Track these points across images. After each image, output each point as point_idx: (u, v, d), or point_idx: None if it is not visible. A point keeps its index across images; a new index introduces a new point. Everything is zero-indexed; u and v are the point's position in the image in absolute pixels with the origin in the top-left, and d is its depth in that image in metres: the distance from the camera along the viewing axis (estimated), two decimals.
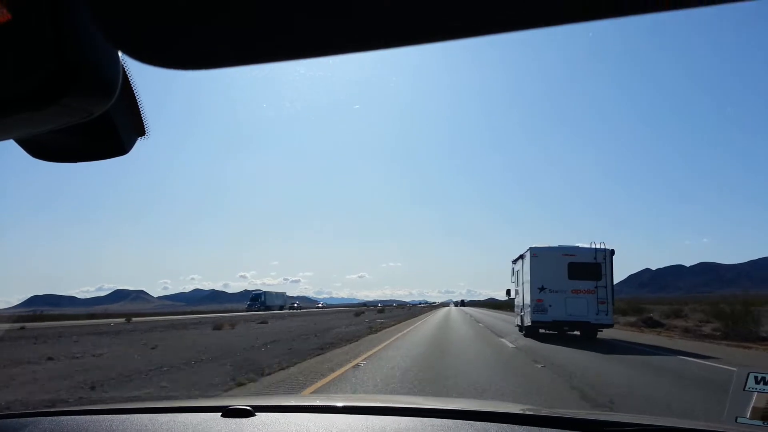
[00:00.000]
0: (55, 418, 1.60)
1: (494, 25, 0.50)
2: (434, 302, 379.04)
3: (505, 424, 1.46)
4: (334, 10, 0.51)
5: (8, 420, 1.65)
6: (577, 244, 20.49)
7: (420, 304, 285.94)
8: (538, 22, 0.49)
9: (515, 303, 24.60)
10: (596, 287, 19.41)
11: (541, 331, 20.63)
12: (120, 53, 0.62)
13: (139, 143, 0.79)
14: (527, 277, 20.60)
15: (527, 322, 20.55)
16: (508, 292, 26.60)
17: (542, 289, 19.74)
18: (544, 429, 1.45)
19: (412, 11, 0.50)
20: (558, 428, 1.47)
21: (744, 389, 1.72)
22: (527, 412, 1.64)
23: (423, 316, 54.11)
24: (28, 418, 1.61)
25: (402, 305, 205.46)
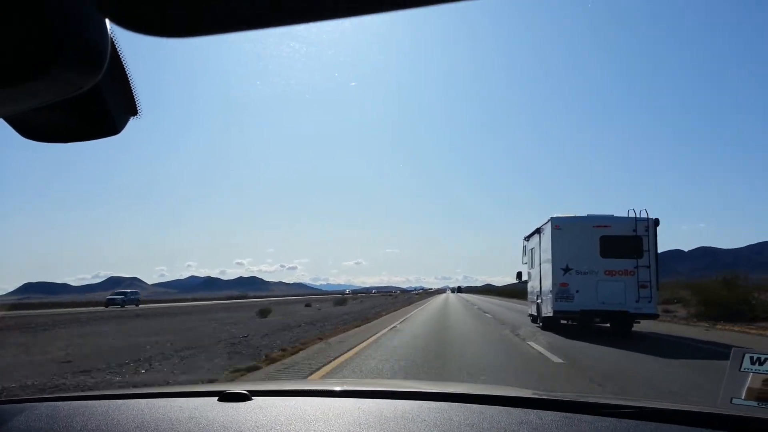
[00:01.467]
0: (52, 403, 1.59)
1: None
2: (430, 288, 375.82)
3: (501, 407, 1.45)
4: None
5: (4, 405, 1.64)
6: (611, 213, 16.21)
7: (415, 290, 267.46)
8: None
9: (528, 288, 20.27)
10: (636, 267, 15.13)
11: (562, 322, 16.44)
12: (108, 22, 0.58)
13: (133, 123, 0.77)
14: (547, 256, 16.31)
15: (546, 311, 16.29)
16: (519, 275, 22.33)
17: (567, 270, 15.47)
18: (540, 411, 1.42)
19: None
20: (555, 410, 1.43)
21: (740, 370, 1.69)
22: (523, 395, 1.63)
23: (410, 308, 37.77)
24: (25, 404, 1.61)
25: (387, 292, 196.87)
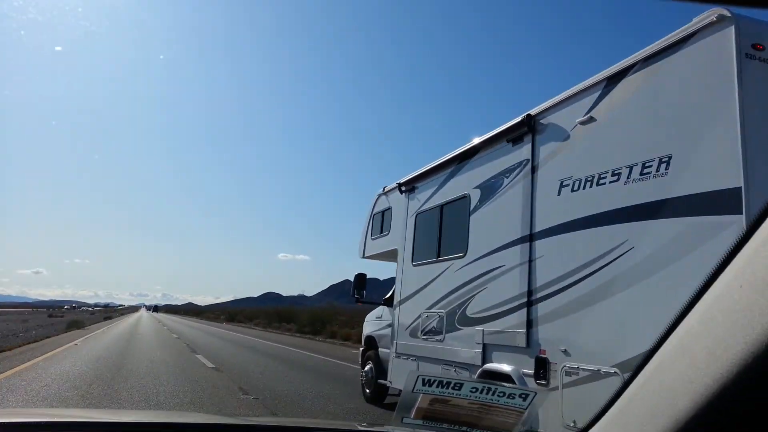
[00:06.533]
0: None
1: None
2: (121, 305, 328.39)
3: None
4: None
5: None
6: None
7: (66, 306, 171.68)
8: None
9: (393, 333, 7.11)
10: None
11: None
12: None
13: None
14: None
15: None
16: (359, 284, 8.90)
17: None
18: None
19: None
20: None
21: (412, 391, 1.77)
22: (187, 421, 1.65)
23: None
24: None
25: None
